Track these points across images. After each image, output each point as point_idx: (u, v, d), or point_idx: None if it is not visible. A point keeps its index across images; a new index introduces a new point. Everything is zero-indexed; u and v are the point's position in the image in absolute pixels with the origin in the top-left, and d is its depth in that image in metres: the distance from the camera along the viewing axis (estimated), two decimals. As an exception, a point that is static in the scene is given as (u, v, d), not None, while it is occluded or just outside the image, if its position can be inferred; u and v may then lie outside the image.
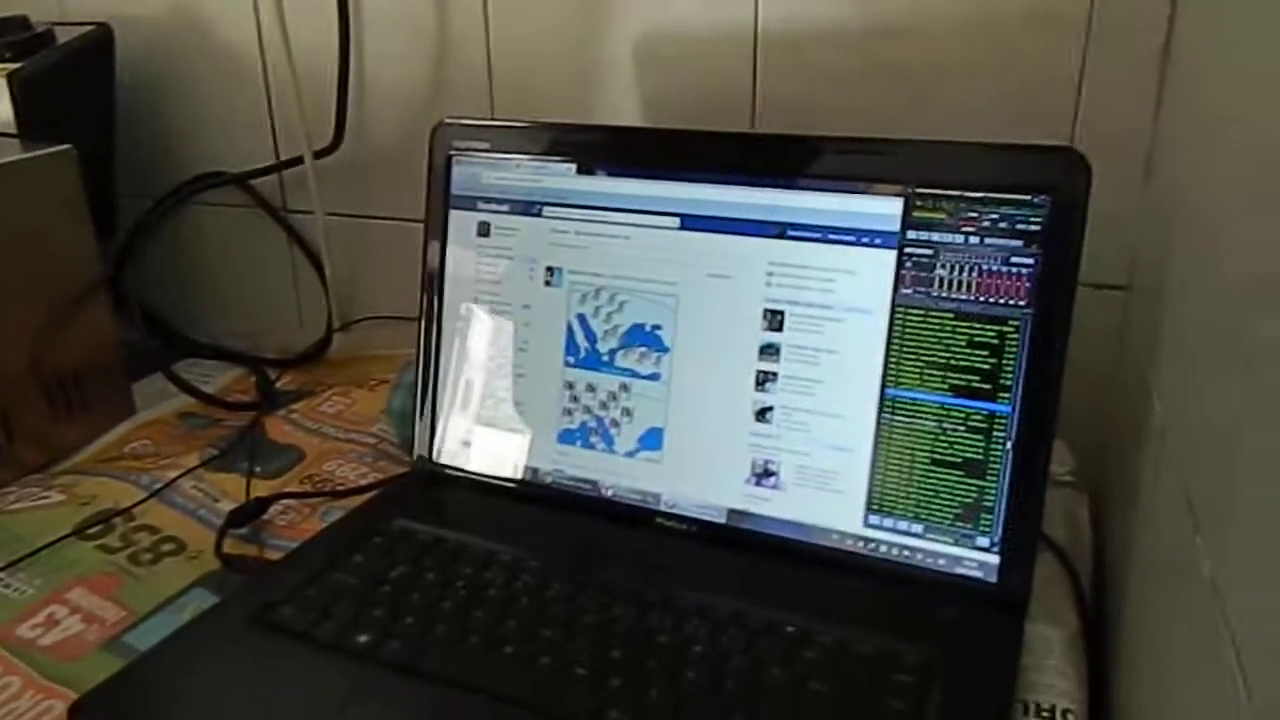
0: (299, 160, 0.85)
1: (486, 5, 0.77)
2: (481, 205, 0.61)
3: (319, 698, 0.45)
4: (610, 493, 0.58)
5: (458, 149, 0.61)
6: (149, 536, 0.61)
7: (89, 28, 0.82)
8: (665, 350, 0.56)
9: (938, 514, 0.51)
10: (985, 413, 0.49)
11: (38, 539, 0.60)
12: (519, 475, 0.60)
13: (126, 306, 0.82)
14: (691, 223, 0.55)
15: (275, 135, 0.88)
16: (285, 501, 0.65)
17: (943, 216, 0.50)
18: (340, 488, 0.67)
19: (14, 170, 0.69)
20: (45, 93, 0.77)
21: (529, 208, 0.59)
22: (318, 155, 0.84)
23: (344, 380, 0.84)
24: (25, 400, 0.70)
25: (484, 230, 0.61)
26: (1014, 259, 0.48)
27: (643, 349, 0.57)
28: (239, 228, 0.92)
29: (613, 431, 0.58)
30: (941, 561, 0.51)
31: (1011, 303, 0.49)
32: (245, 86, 0.87)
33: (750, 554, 0.54)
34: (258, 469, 0.69)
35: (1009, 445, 0.49)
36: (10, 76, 0.75)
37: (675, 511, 0.56)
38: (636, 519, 0.57)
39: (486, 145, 0.60)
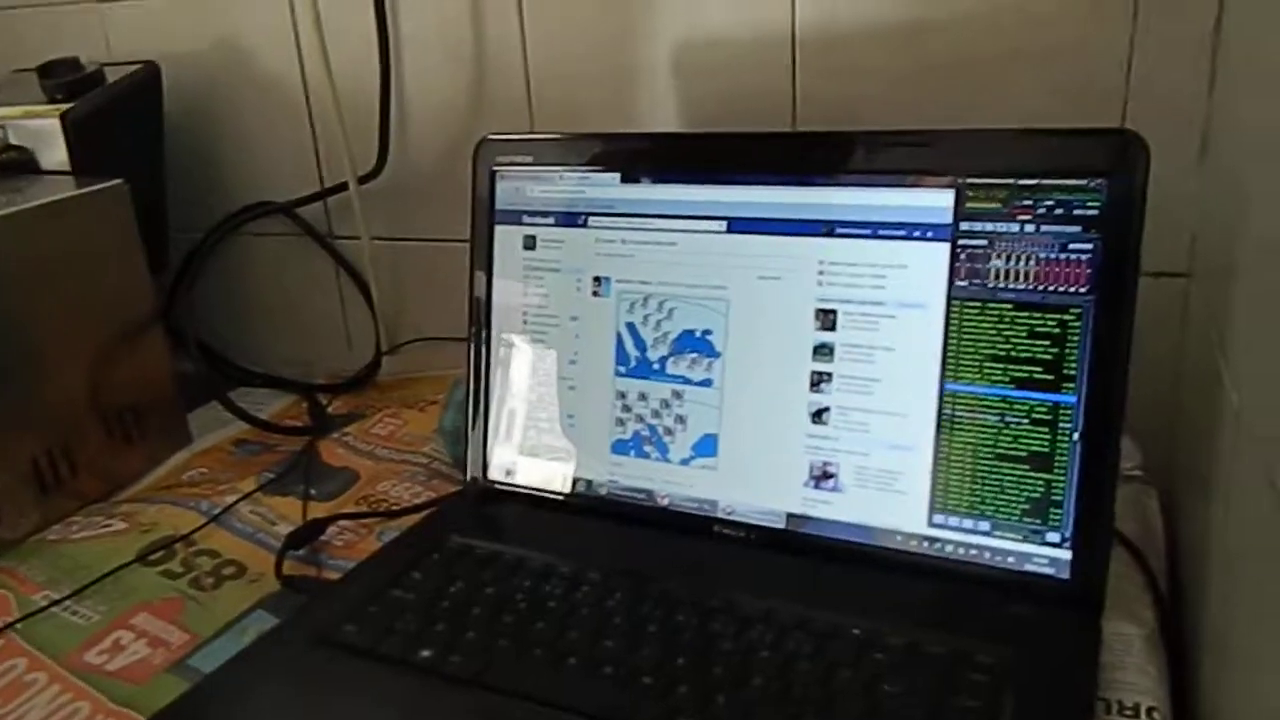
0: (343, 186, 0.86)
1: (522, 20, 0.77)
2: (526, 219, 0.61)
3: (384, 713, 0.44)
4: (666, 502, 0.58)
5: (500, 164, 0.61)
6: (209, 561, 0.62)
7: (137, 66, 0.84)
8: (716, 355, 0.56)
9: (1005, 510, 0.49)
10: (1050, 404, 0.48)
11: (102, 566, 0.60)
12: (573, 488, 0.60)
13: (180, 338, 0.84)
14: (738, 225, 0.55)
15: (320, 162, 0.89)
16: (342, 522, 0.65)
17: (996, 206, 0.49)
18: (395, 507, 0.67)
19: (69, 206, 0.70)
20: (97, 131, 0.78)
21: (574, 219, 0.59)
22: (361, 180, 0.85)
23: (394, 402, 0.84)
24: (85, 432, 0.71)
25: (530, 244, 0.61)
26: (1072, 245, 0.47)
27: (694, 355, 0.56)
28: (287, 256, 0.93)
29: (666, 440, 0.57)
30: (1011, 559, 0.50)
31: (1072, 290, 0.47)
32: (289, 116, 0.88)
33: (812, 559, 0.53)
34: (313, 492, 0.70)
35: (1076, 436, 0.48)
36: (63, 116, 0.76)
37: (733, 518, 0.56)
38: (694, 527, 0.56)
39: (529, 159, 0.61)
